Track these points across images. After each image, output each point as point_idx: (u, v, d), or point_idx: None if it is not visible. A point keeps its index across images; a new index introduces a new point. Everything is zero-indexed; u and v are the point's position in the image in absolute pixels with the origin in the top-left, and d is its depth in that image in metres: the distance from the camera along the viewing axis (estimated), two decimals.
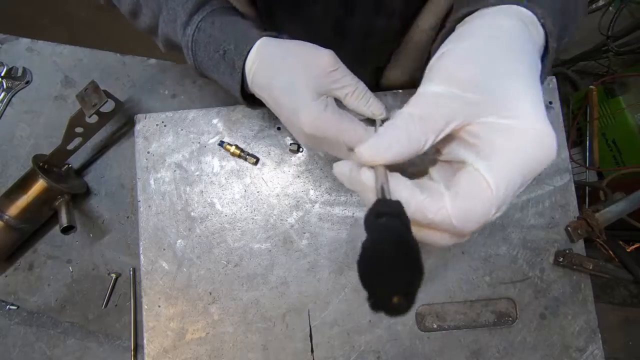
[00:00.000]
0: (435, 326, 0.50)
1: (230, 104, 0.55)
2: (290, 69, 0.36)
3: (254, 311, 0.51)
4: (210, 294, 0.52)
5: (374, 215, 0.22)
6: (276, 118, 0.42)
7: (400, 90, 0.56)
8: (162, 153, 0.54)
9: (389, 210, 0.22)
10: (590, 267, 0.49)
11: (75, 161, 0.58)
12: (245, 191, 0.53)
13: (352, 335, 0.50)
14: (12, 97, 0.61)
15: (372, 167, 0.27)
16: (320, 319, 0.51)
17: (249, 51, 0.37)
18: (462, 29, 0.29)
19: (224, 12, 0.42)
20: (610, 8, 1.30)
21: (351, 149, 0.36)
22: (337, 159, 0.35)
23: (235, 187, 0.53)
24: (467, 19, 0.30)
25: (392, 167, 0.26)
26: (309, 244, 0.52)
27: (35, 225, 0.55)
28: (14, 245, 0.54)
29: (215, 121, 0.55)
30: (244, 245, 0.52)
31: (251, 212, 0.53)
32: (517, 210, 0.52)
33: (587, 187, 1.19)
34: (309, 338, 0.51)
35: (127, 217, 0.57)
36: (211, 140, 0.54)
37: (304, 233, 0.52)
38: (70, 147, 0.53)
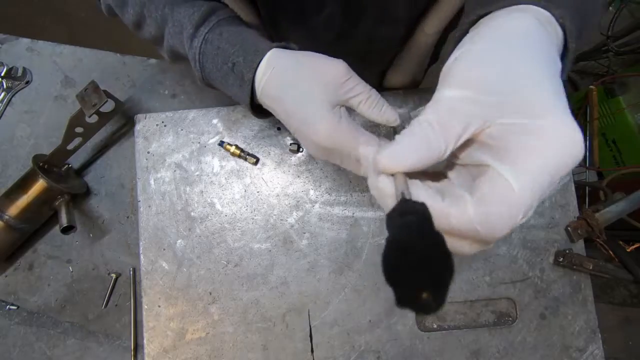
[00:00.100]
0: (435, 326, 0.50)
1: (230, 104, 0.55)
2: (303, 80, 0.35)
3: (254, 311, 0.51)
4: (210, 294, 0.52)
5: (398, 213, 0.22)
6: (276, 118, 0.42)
7: (401, 90, 0.56)
8: (162, 153, 0.54)
9: (413, 210, 0.22)
10: (590, 267, 0.49)
11: (75, 161, 0.58)
12: (245, 191, 0.53)
13: (352, 335, 0.50)
14: (12, 97, 0.61)
15: (391, 174, 0.26)
16: (320, 319, 0.51)
17: (258, 63, 0.37)
18: (476, 31, 0.28)
19: (231, 23, 0.42)
20: (610, 8, 1.30)
21: (359, 161, 0.36)
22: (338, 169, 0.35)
23: (235, 187, 0.53)
24: (481, 21, 0.29)
25: (411, 174, 0.26)
26: (309, 244, 0.52)
27: (35, 225, 0.55)
28: (14, 245, 0.54)
29: (215, 121, 0.55)
30: (244, 245, 0.52)
31: (251, 212, 0.53)
32: None
33: (587, 187, 1.19)
34: (309, 338, 0.51)
35: (127, 217, 0.57)
36: (211, 140, 0.54)
37: (304, 233, 0.52)
38: (70, 147, 0.53)
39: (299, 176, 0.53)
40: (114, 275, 0.55)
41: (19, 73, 0.61)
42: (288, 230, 0.53)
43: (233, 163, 0.54)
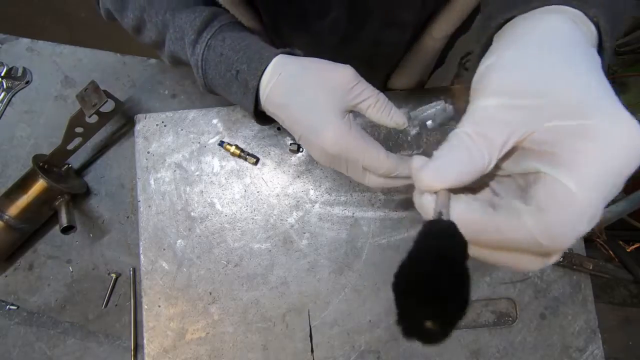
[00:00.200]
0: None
1: (231, 104, 0.55)
2: (310, 86, 0.35)
3: (254, 311, 0.51)
4: (210, 294, 0.52)
5: (424, 235, 0.21)
6: None
7: (401, 91, 0.56)
8: (162, 153, 0.54)
9: (440, 231, 0.21)
10: (590, 267, 0.49)
11: (75, 161, 0.58)
12: (245, 191, 0.53)
13: (352, 335, 0.50)
14: (12, 97, 0.61)
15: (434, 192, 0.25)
16: (320, 319, 0.51)
17: (263, 71, 0.36)
18: (506, 36, 0.27)
19: (233, 28, 0.41)
20: None
21: (366, 169, 0.36)
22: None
23: (235, 187, 0.53)
24: (509, 24, 0.28)
25: (455, 189, 0.25)
26: (309, 244, 0.52)
27: (35, 225, 0.55)
28: (14, 245, 0.54)
29: (215, 121, 0.55)
30: (244, 245, 0.52)
31: (251, 212, 0.53)
32: None
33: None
34: (309, 338, 0.51)
35: (127, 217, 0.57)
36: (211, 140, 0.54)
37: (304, 233, 0.52)
38: (70, 147, 0.53)
39: (299, 176, 0.53)
40: (114, 275, 0.55)
41: (19, 73, 0.61)
42: (288, 230, 0.53)
43: (233, 163, 0.54)
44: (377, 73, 0.58)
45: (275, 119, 0.39)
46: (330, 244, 0.52)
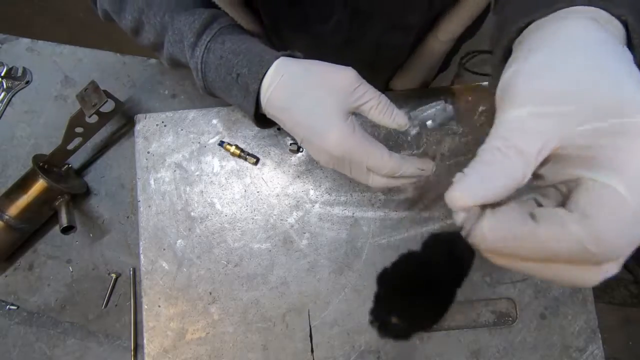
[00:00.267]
0: (435, 326, 0.50)
1: (231, 105, 0.55)
2: (313, 89, 0.35)
3: (254, 311, 0.51)
4: (210, 294, 0.52)
5: (425, 245, 0.22)
6: None
7: (401, 91, 0.56)
8: (162, 153, 0.54)
9: (439, 245, 0.22)
10: None
11: (75, 161, 0.58)
12: (245, 191, 0.53)
13: (352, 335, 0.50)
14: (12, 97, 0.61)
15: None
16: (320, 319, 0.51)
17: (264, 74, 0.36)
18: (528, 40, 0.26)
19: (233, 31, 0.41)
20: None
21: (370, 170, 0.36)
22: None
23: (235, 187, 0.53)
24: (530, 27, 0.27)
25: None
26: (309, 244, 0.52)
27: (35, 225, 0.55)
28: (14, 245, 0.54)
29: (215, 121, 0.55)
30: (244, 245, 0.52)
31: (251, 212, 0.53)
32: None
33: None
34: (309, 338, 0.51)
35: (127, 217, 0.57)
36: (211, 140, 0.54)
37: (304, 233, 0.52)
38: (70, 147, 0.53)
39: (299, 176, 0.53)
40: (114, 275, 0.55)
41: (19, 73, 0.61)
42: (288, 230, 0.53)
43: (233, 163, 0.54)
44: (380, 75, 0.58)
45: (277, 121, 0.39)
46: (330, 244, 0.52)
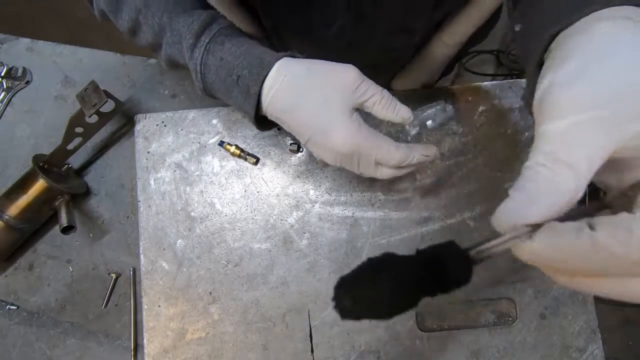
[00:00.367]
0: (435, 326, 0.50)
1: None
2: (318, 88, 0.35)
3: (254, 311, 0.51)
4: (210, 294, 0.52)
5: (417, 251, 0.23)
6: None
7: (402, 91, 0.56)
8: (162, 153, 0.54)
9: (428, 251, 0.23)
10: None
11: (75, 161, 0.58)
12: (245, 191, 0.53)
13: (352, 335, 0.50)
14: (12, 97, 0.61)
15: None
16: (320, 319, 0.51)
17: (265, 76, 0.36)
18: (561, 48, 0.25)
19: (232, 32, 0.41)
20: None
21: (379, 164, 0.37)
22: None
23: (235, 187, 0.53)
24: (567, 32, 0.25)
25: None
26: (309, 244, 0.52)
27: (35, 225, 0.55)
28: (14, 245, 0.54)
29: (215, 121, 0.55)
30: (244, 245, 0.52)
31: (251, 212, 0.53)
32: None
33: (587, 187, 1.19)
34: (309, 338, 0.51)
35: (127, 217, 0.57)
36: (211, 140, 0.54)
37: (304, 233, 0.52)
38: (70, 147, 0.53)
39: (299, 176, 0.53)
40: (114, 275, 0.55)
41: (19, 73, 0.61)
42: (288, 230, 0.53)
43: (233, 163, 0.54)
44: (382, 75, 0.57)
45: (279, 123, 0.39)
46: (330, 244, 0.52)
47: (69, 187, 0.53)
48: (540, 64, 0.26)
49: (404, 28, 0.46)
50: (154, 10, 0.40)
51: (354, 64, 0.37)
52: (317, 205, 0.53)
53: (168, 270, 0.52)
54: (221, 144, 0.54)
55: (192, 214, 0.53)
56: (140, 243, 0.53)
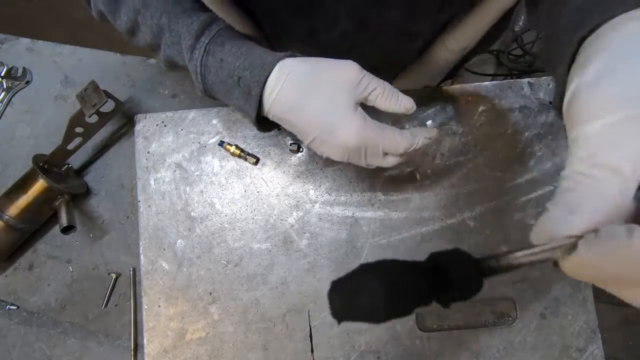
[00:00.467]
0: (435, 326, 0.50)
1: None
2: (324, 86, 0.35)
3: (254, 311, 0.51)
4: (210, 294, 0.52)
5: (430, 256, 0.24)
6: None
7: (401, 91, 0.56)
8: (162, 153, 0.54)
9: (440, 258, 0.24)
10: None
11: (75, 161, 0.58)
12: (245, 191, 0.53)
13: (352, 335, 0.50)
14: (12, 97, 0.61)
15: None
16: (320, 319, 0.51)
17: (267, 77, 0.36)
18: (587, 50, 0.24)
19: (232, 33, 0.41)
20: None
21: (387, 154, 0.37)
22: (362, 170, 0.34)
23: (235, 187, 0.53)
24: (598, 32, 0.25)
25: None
26: (309, 244, 0.52)
27: (35, 225, 0.55)
28: (14, 245, 0.54)
29: (215, 121, 0.55)
30: (244, 245, 0.52)
31: (251, 212, 0.53)
32: (517, 211, 0.52)
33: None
34: (309, 338, 0.51)
35: (127, 217, 0.57)
36: (211, 140, 0.54)
37: (304, 233, 0.52)
38: (70, 147, 0.53)
39: (299, 176, 0.53)
40: (114, 275, 0.55)
41: (19, 73, 0.61)
42: (288, 230, 0.53)
43: (233, 163, 0.54)
44: (383, 77, 0.57)
45: (281, 123, 0.38)
46: (330, 244, 0.52)
47: (69, 187, 0.53)
48: (569, 68, 0.25)
49: (407, 32, 0.46)
50: (152, 11, 0.40)
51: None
52: (317, 205, 0.53)
53: (168, 270, 0.52)
54: (221, 144, 0.54)
55: (192, 214, 0.53)
56: (140, 243, 0.53)
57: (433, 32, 0.48)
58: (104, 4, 0.42)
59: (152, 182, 0.54)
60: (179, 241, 0.53)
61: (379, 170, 0.53)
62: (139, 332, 0.53)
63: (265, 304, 0.51)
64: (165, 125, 0.55)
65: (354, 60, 0.37)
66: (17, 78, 0.61)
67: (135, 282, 0.55)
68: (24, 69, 0.61)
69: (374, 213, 0.52)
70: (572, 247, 0.20)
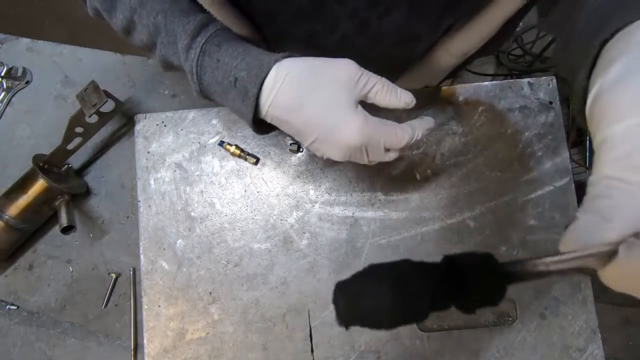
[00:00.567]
0: (435, 326, 0.50)
1: None
2: (324, 85, 0.35)
3: (254, 311, 0.51)
4: (210, 294, 0.52)
5: (445, 259, 0.24)
6: None
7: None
8: (162, 153, 0.54)
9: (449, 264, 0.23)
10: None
11: (75, 161, 0.58)
12: (245, 191, 0.53)
13: (352, 335, 0.50)
14: (12, 97, 0.61)
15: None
16: (320, 319, 0.51)
17: (264, 78, 0.36)
18: (612, 51, 0.24)
19: (229, 33, 0.40)
20: None
21: (388, 150, 0.37)
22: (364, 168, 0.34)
23: (235, 187, 0.53)
24: (618, 36, 0.24)
25: None
26: (309, 244, 0.52)
27: (35, 225, 0.55)
28: (14, 245, 0.54)
29: (215, 121, 0.55)
30: (244, 245, 0.52)
31: (251, 212, 0.53)
32: (516, 211, 0.52)
33: (587, 187, 1.19)
34: (309, 338, 0.51)
35: (127, 217, 0.57)
36: (211, 140, 0.54)
37: (304, 233, 0.52)
38: (70, 147, 0.53)
39: (299, 176, 0.53)
40: (114, 275, 0.55)
41: (19, 73, 0.61)
42: (288, 230, 0.53)
43: (233, 163, 0.54)
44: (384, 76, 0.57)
45: (279, 125, 0.38)
46: (330, 244, 0.52)
47: (69, 187, 0.53)
48: (590, 71, 0.25)
49: (408, 36, 0.46)
50: (148, 10, 0.39)
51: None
52: (317, 205, 0.53)
53: (168, 270, 0.52)
54: (221, 144, 0.54)
55: (192, 214, 0.53)
56: (140, 243, 0.53)
57: (435, 36, 0.48)
58: (99, 1, 0.41)
59: (152, 182, 0.54)
60: (179, 241, 0.53)
61: (379, 170, 0.53)
62: (139, 332, 0.53)
63: (265, 304, 0.51)
64: (165, 125, 0.55)
65: (357, 61, 0.37)
66: (17, 78, 0.61)
67: (135, 282, 0.55)
68: (24, 69, 0.61)
69: (374, 213, 0.52)
70: (610, 254, 0.19)
